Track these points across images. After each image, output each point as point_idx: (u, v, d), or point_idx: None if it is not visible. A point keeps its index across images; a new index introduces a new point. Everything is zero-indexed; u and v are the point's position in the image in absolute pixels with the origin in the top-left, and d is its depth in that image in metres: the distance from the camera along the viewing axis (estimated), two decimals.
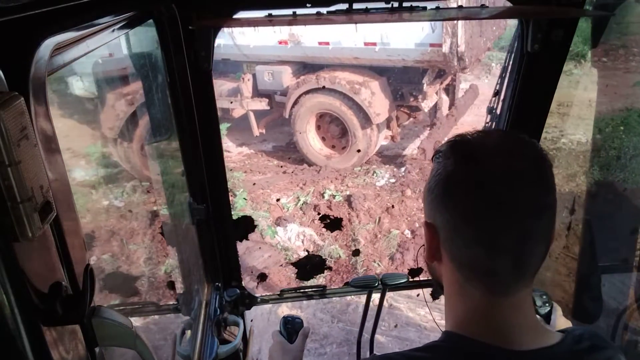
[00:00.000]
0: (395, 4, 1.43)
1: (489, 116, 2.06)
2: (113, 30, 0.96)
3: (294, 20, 1.45)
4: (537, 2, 1.56)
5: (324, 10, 1.43)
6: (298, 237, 5.42)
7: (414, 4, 1.45)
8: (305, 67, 7.42)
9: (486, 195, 0.68)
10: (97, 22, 0.81)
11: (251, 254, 5.03)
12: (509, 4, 1.56)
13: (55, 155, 0.63)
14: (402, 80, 7.02)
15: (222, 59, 7.77)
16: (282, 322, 1.49)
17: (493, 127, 2.02)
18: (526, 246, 0.70)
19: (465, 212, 0.70)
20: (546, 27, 1.59)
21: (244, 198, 5.87)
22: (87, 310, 0.62)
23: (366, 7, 1.42)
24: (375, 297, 2.13)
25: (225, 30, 6.91)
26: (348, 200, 5.87)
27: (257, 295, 2.24)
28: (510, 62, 1.83)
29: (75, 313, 0.60)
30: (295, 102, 7.01)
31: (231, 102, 7.58)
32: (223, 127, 7.21)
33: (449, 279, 0.78)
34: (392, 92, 6.90)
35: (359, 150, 6.79)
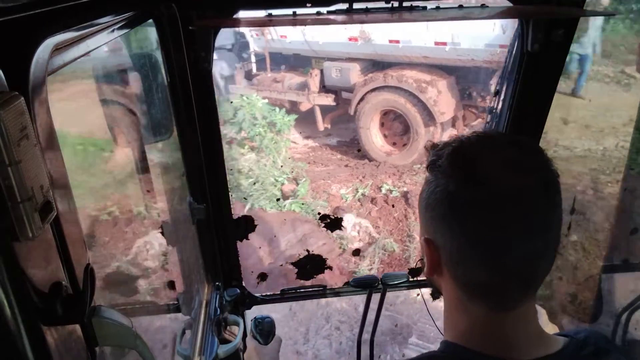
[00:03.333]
0: (396, 4, 1.43)
1: (489, 116, 2.06)
2: (113, 30, 0.96)
3: (293, 20, 1.45)
4: (537, 2, 1.56)
5: (324, 10, 1.43)
6: (354, 227, 5.47)
7: (414, 3, 1.45)
8: (373, 65, 7.45)
9: (493, 217, 0.65)
10: (97, 22, 0.81)
11: (307, 240, 5.10)
12: (509, 4, 1.56)
13: (55, 155, 0.63)
14: (471, 80, 7.00)
15: (293, 54, 7.97)
16: (252, 324, 1.50)
17: (493, 127, 2.02)
18: (533, 264, 0.68)
19: (471, 235, 0.67)
20: (546, 27, 1.59)
21: (298, 191, 5.92)
22: (87, 310, 0.62)
23: (366, 7, 1.42)
24: (376, 297, 2.12)
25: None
26: (405, 196, 5.94)
27: (257, 295, 2.24)
28: (510, 62, 1.83)
29: (75, 313, 0.60)
30: (361, 99, 7.05)
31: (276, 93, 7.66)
32: (291, 118, 7.24)
33: (450, 294, 0.76)
34: (459, 92, 6.86)
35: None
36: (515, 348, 0.71)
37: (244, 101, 6.84)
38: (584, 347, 0.75)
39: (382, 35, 6.82)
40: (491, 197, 0.65)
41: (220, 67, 8.47)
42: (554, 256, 0.70)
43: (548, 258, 0.69)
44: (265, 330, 1.48)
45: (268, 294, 2.29)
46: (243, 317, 2.17)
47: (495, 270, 0.67)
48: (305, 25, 1.44)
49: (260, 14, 1.45)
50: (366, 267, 4.82)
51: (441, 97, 6.55)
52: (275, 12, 1.45)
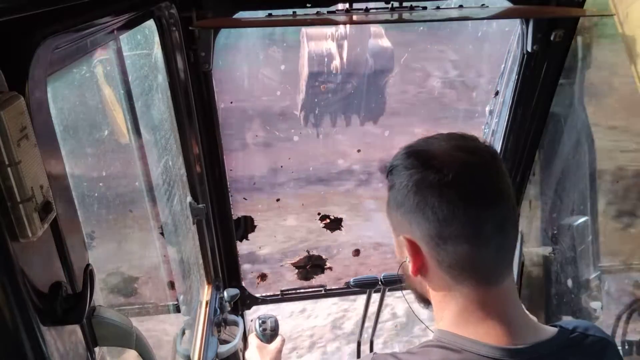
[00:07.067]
0: (396, 4, 1.44)
1: (489, 116, 2.06)
2: (113, 31, 0.96)
3: (293, 20, 1.45)
4: (537, 2, 1.56)
5: (324, 10, 1.43)
6: None
7: (414, 3, 1.45)
8: None
9: (459, 192, 0.71)
10: (97, 22, 0.81)
11: None
12: (509, 4, 1.56)
13: (55, 155, 0.63)
14: None
15: None
16: (257, 323, 1.51)
17: (493, 127, 2.02)
18: (503, 231, 0.73)
19: (445, 214, 0.71)
20: (546, 27, 1.59)
21: None
22: (87, 310, 0.62)
23: (366, 7, 1.42)
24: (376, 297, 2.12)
25: None
26: None
27: (257, 295, 2.24)
28: (510, 62, 1.83)
29: (75, 313, 0.60)
30: None
31: None
32: None
33: (438, 285, 0.78)
34: None
35: None
36: (507, 334, 0.73)
37: None
38: (574, 333, 0.78)
39: None
40: (452, 175, 0.71)
41: None
42: (517, 223, 0.77)
43: (512, 224, 0.74)
44: (269, 330, 1.49)
45: (268, 294, 2.29)
46: (243, 318, 2.17)
47: (473, 242, 0.72)
48: (305, 25, 1.44)
49: (260, 14, 1.46)
50: None
51: None
52: (275, 12, 1.45)
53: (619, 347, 1.99)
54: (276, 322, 1.53)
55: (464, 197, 0.71)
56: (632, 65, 1.55)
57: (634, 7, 1.51)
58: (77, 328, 0.63)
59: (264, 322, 1.52)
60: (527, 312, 0.80)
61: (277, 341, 1.50)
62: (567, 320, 0.83)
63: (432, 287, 0.80)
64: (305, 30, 2.14)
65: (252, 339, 1.51)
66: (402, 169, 0.76)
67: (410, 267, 0.78)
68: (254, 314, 2.37)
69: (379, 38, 2.33)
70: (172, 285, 1.57)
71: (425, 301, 0.85)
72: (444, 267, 0.75)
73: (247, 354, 1.48)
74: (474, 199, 0.71)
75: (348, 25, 2.18)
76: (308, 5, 1.43)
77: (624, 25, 1.50)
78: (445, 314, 0.78)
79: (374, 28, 2.30)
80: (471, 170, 0.72)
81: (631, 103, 1.71)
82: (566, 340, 0.76)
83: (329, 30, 2.22)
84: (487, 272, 0.74)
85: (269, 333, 1.49)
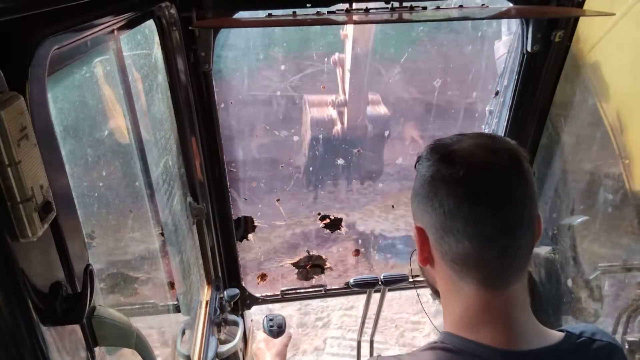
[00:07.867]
0: (396, 4, 1.44)
1: (489, 116, 2.06)
2: (113, 31, 0.96)
3: (293, 20, 1.45)
4: (537, 2, 1.56)
5: (324, 10, 1.43)
6: None
7: (414, 3, 1.45)
8: None
9: (467, 189, 0.70)
10: (97, 22, 0.81)
11: None
12: (509, 4, 1.56)
13: (55, 155, 0.63)
14: None
15: None
16: (264, 321, 1.59)
17: (493, 126, 2.02)
18: (510, 236, 0.71)
19: (450, 208, 0.71)
20: (546, 27, 1.59)
21: None
22: (87, 310, 0.62)
23: (366, 7, 1.42)
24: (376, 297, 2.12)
25: None
26: None
27: (257, 295, 2.24)
28: (510, 62, 1.83)
29: (75, 313, 0.60)
30: None
31: None
32: None
33: (443, 279, 0.79)
34: None
35: None
36: (512, 337, 0.73)
37: None
38: (581, 337, 0.78)
39: None
40: (464, 172, 0.71)
41: None
42: (533, 232, 0.74)
43: (525, 231, 0.72)
44: (275, 327, 1.55)
45: (268, 294, 2.29)
46: (243, 318, 2.16)
47: (475, 242, 0.71)
48: (305, 25, 1.44)
49: (260, 14, 1.46)
50: None
51: None
52: (275, 12, 1.45)
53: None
54: (283, 319, 1.60)
55: (471, 195, 0.70)
56: (599, 103, 1.56)
57: (597, 48, 1.53)
58: (77, 328, 0.63)
59: (271, 320, 1.59)
60: (534, 316, 0.78)
61: (284, 336, 1.57)
62: (574, 325, 0.83)
63: (439, 280, 0.81)
64: (307, 97, 2.21)
65: (260, 334, 1.56)
66: (424, 160, 0.77)
67: (418, 255, 0.80)
68: (253, 313, 2.37)
69: (376, 105, 2.43)
70: (172, 285, 1.57)
71: (437, 293, 0.85)
72: (447, 260, 0.75)
73: (254, 345, 1.53)
74: (481, 198, 0.70)
75: (347, 93, 2.24)
76: (308, 5, 1.43)
77: (592, 60, 1.52)
78: (451, 314, 0.79)
79: (371, 96, 2.40)
80: (485, 170, 0.71)
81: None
82: (572, 345, 0.76)
83: (329, 97, 2.29)
84: (491, 274, 0.73)
85: (276, 330, 1.56)
